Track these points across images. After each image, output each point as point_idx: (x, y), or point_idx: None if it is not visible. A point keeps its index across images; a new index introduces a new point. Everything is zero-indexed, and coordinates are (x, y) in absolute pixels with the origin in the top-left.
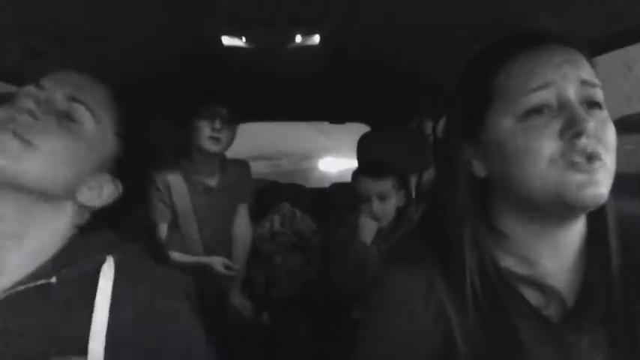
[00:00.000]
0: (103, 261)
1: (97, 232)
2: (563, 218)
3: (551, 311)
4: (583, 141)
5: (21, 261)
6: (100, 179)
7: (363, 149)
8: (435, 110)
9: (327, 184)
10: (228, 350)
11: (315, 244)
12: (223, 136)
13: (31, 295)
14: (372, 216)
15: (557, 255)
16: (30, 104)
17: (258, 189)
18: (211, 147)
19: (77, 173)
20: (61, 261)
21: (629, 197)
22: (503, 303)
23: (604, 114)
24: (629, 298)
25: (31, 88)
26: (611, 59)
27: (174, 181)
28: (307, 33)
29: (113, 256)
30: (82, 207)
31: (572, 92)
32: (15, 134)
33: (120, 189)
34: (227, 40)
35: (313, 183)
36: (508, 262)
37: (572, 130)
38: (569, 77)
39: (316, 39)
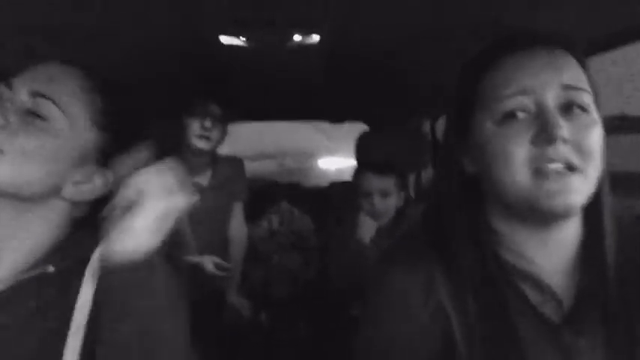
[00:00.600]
0: (94, 247)
1: (93, 225)
2: (544, 222)
3: (548, 309)
4: (555, 148)
5: (16, 257)
6: (85, 172)
7: (361, 148)
8: (434, 110)
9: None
10: (226, 350)
11: (313, 244)
12: (213, 134)
13: (24, 287)
14: (372, 212)
15: (551, 254)
16: None
17: (256, 188)
18: (200, 144)
19: (54, 170)
20: (56, 254)
21: (628, 196)
22: (503, 298)
23: (588, 118)
24: (628, 298)
25: (3, 90)
26: (611, 59)
27: None
28: (307, 33)
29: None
30: (73, 201)
31: (550, 98)
32: None
33: (111, 179)
34: (226, 40)
35: (318, 181)
36: (507, 256)
37: (544, 135)
38: (549, 82)
39: (316, 39)
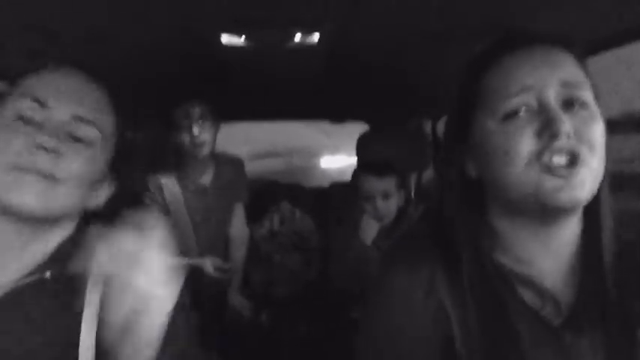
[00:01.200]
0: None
1: (91, 226)
2: (548, 219)
3: (548, 312)
4: (559, 142)
5: (22, 264)
6: (102, 183)
7: (363, 148)
8: (435, 110)
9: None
10: (227, 350)
11: (314, 244)
12: (204, 137)
13: (25, 291)
14: (375, 215)
15: (550, 255)
16: (46, 141)
17: (257, 188)
18: (195, 152)
19: (91, 189)
20: (57, 257)
21: (631, 195)
22: (503, 301)
23: (589, 113)
24: (626, 299)
25: (32, 106)
26: (611, 59)
27: (167, 182)
28: (307, 32)
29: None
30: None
31: (551, 94)
32: (39, 173)
33: (113, 187)
34: (226, 40)
35: (325, 179)
36: (506, 261)
37: (548, 131)
38: (548, 79)
39: (316, 38)
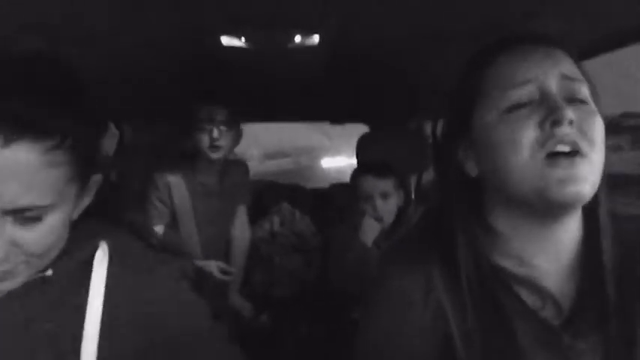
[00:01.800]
0: (96, 248)
1: (87, 221)
2: (550, 215)
3: (548, 313)
4: (562, 129)
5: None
6: (82, 195)
7: (362, 149)
8: (435, 111)
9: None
10: None
11: (314, 245)
12: (223, 142)
13: (27, 290)
14: (375, 215)
15: (550, 255)
16: None
17: (257, 189)
18: (213, 155)
19: (66, 230)
20: (57, 257)
21: (626, 196)
22: (501, 303)
23: (589, 108)
24: (625, 300)
25: None
26: (611, 59)
27: (175, 181)
28: (307, 33)
29: (106, 242)
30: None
31: (553, 86)
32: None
33: (99, 180)
34: (226, 40)
35: (325, 180)
36: (504, 262)
37: (551, 117)
38: (550, 72)
39: (316, 39)
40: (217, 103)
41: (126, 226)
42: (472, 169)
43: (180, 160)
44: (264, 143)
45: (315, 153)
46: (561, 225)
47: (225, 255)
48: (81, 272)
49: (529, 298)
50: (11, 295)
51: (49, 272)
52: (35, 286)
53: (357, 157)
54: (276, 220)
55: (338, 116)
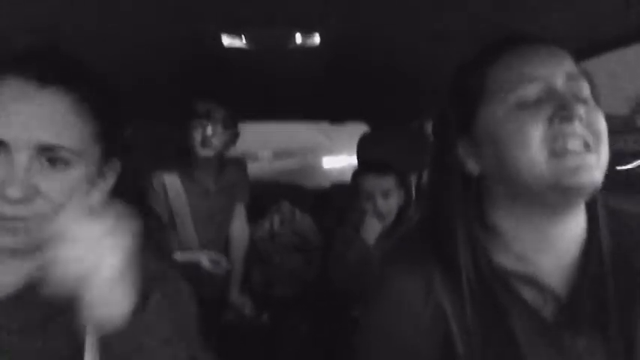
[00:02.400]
0: None
1: None
2: (557, 207)
3: (548, 311)
4: (572, 126)
5: (23, 266)
6: (103, 175)
7: (363, 148)
8: (436, 110)
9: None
10: (228, 350)
11: (315, 244)
12: (216, 140)
13: (27, 294)
14: (376, 214)
15: (552, 253)
16: (11, 192)
17: (257, 189)
18: (203, 152)
19: (83, 202)
20: None
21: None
22: (500, 302)
23: (593, 106)
24: (624, 298)
25: None
26: (611, 59)
27: (171, 181)
28: (307, 33)
29: None
30: None
31: (559, 84)
32: (14, 219)
33: (118, 167)
34: (227, 41)
35: (326, 180)
36: (503, 260)
37: (561, 113)
38: (556, 70)
39: (316, 39)
40: (216, 102)
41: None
42: (473, 167)
43: (177, 159)
44: (273, 143)
45: (318, 152)
46: (563, 223)
47: (226, 253)
48: None
49: (529, 296)
50: (10, 298)
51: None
52: (33, 293)
53: (358, 157)
54: (276, 219)
55: (338, 116)
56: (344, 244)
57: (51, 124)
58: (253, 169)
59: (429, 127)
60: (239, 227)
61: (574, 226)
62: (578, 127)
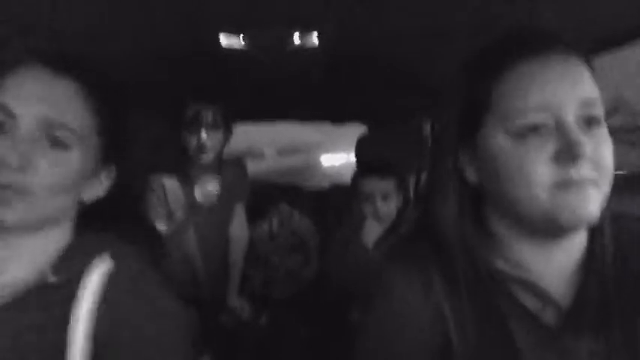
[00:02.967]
0: (96, 261)
1: (95, 233)
2: (559, 234)
3: (548, 315)
4: (578, 167)
5: (22, 268)
6: (99, 175)
7: (362, 149)
8: (435, 111)
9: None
10: (226, 352)
11: (313, 245)
12: (210, 143)
13: (27, 297)
14: (375, 215)
15: (553, 263)
16: (13, 157)
17: (256, 190)
18: (200, 157)
19: (76, 193)
20: (59, 262)
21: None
22: (499, 306)
23: (602, 131)
24: (628, 303)
25: (0, 115)
26: (611, 59)
27: (170, 183)
28: (306, 34)
29: (107, 256)
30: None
31: (570, 113)
32: (10, 188)
33: (113, 175)
34: (225, 41)
35: (325, 181)
36: (502, 265)
37: (567, 154)
38: (568, 97)
39: (315, 40)
40: (205, 102)
41: (132, 235)
42: (472, 176)
43: (176, 160)
44: (277, 141)
45: (318, 150)
46: (568, 239)
47: (225, 253)
48: (76, 282)
49: (528, 301)
50: (12, 299)
51: (52, 279)
52: (36, 291)
53: (356, 157)
54: (274, 220)
55: (338, 116)
56: (343, 246)
57: (58, 103)
58: (259, 166)
59: (427, 128)
60: (238, 227)
61: (577, 239)
62: (583, 167)
